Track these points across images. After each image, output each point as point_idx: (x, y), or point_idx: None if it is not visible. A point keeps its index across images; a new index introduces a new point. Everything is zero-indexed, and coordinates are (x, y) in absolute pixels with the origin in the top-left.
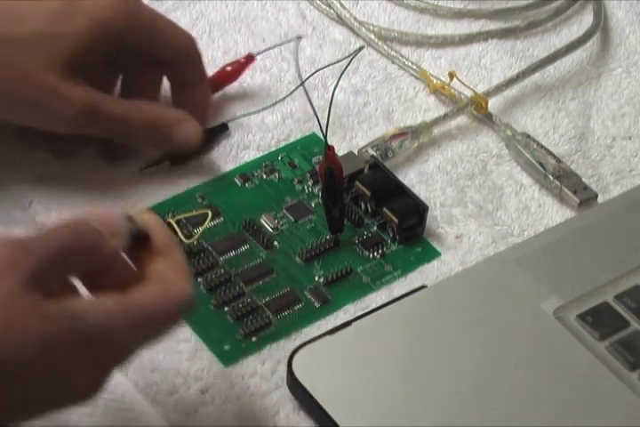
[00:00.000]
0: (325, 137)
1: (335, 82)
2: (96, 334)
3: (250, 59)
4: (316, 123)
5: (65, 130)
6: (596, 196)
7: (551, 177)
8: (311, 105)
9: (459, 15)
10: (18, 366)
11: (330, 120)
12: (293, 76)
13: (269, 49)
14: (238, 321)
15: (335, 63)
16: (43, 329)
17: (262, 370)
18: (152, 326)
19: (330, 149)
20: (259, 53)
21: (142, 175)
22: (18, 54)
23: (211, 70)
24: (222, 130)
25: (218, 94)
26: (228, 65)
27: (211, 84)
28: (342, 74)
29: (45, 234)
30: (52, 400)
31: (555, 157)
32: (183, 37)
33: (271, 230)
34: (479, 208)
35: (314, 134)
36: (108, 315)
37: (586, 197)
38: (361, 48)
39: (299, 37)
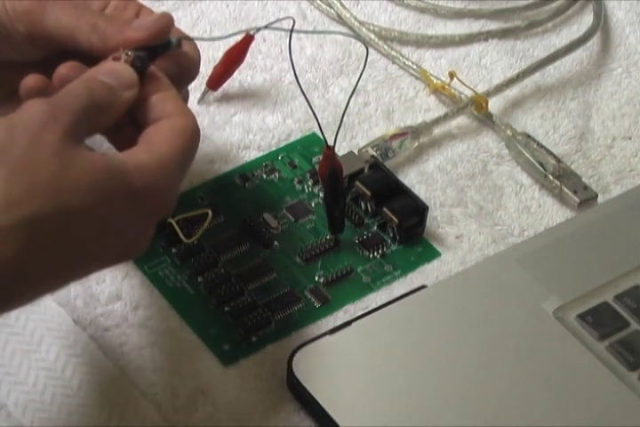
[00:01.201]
0: (335, 141)
1: (334, 82)
2: (141, 185)
3: (249, 38)
4: (317, 123)
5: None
6: (596, 196)
7: (551, 177)
8: (308, 102)
9: (459, 15)
10: (75, 211)
11: (330, 120)
12: (294, 76)
13: (265, 27)
14: (238, 321)
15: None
16: (93, 178)
17: (262, 370)
18: (184, 166)
19: (329, 149)
20: (254, 32)
21: None
22: None
23: (210, 71)
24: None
25: (219, 93)
26: (229, 50)
27: (221, 72)
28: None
29: (66, 93)
30: (104, 253)
31: (555, 156)
32: None
33: (271, 230)
34: (479, 208)
35: (314, 134)
36: (144, 167)
37: (586, 197)
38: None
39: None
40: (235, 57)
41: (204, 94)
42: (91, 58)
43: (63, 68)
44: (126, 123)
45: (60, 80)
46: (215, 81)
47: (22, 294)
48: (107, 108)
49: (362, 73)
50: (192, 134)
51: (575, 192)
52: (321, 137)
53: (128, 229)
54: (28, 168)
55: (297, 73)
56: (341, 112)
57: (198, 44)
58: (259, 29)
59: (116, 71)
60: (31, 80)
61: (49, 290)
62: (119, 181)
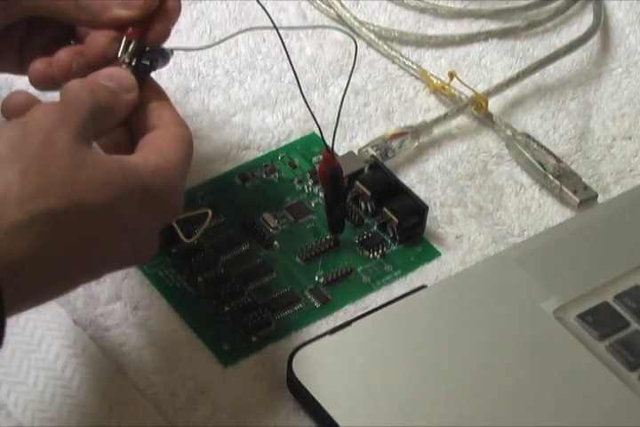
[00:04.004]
0: (333, 141)
1: (334, 82)
2: (155, 185)
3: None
4: (316, 124)
5: None
6: (596, 196)
7: (551, 177)
8: (306, 103)
9: (459, 15)
10: (89, 208)
11: (330, 120)
12: (294, 76)
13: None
14: (238, 321)
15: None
16: (107, 176)
17: (262, 370)
18: (186, 173)
19: (328, 151)
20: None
21: None
22: None
23: (211, 71)
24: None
25: (219, 93)
26: None
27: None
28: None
29: (71, 97)
30: (116, 254)
31: (555, 156)
32: None
33: (271, 230)
34: (479, 208)
35: (314, 134)
36: (157, 168)
37: (586, 196)
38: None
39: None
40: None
41: (124, 48)
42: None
43: (63, 54)
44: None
45: (60, 66)
46: (136, 31)
47: (34, 295)
48: (111, 110)
49: (353, 66)
50: (190, 143)
51: (575, 192)
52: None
53: (140, 229)
54: (42, 165)
55: (297, 73)
56: (342, 112)
57: (198, 41)
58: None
59: (116, 76)
60: (40, 65)
61: (59, 291)
62: (133, 181)
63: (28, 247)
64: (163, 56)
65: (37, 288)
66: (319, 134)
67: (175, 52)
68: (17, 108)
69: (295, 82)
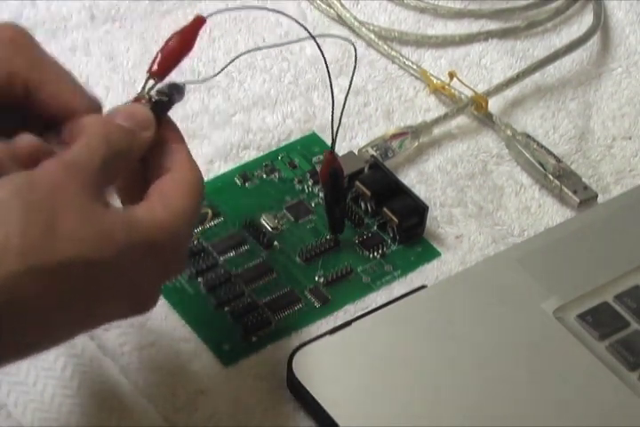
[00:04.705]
0: (334, 141)
1: (334, 82)
2: (160, 241)
3: (200, 21)
4: (317, 122)
5: None
6: (596, 196)
7: (551, 177)
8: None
9: (459, 15)
10: (92, 264)
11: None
12: (294, 76)
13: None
14: (238, 321)
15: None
16: (112, 232)
17: (262, 370)
18: (194, 224)
19: (330, 153)
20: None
21: None
22: None
23: (210, 71)
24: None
25: (220, 93)
26: (174, 35)
27: (164, 64)
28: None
29: (83, 150)
30: (118, 307)
31: (555, 156)
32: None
33: (271, 230)
34: (479, 208)
35: (314, 134)
36: (163, 223)
37: (586, 196)
38: None
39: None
40: (184, 42)
41: (146, 83)
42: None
43: (85, 119)
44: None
45: (78, 130)
46: (161, 68)
47: (27, 345)
48: (126, 153)
49: (353, 73)
50: (202, 191)
51: (575, 192)
52: (321, 137)
53: (143, 284)
54: (46, 218)
55: (297, 73)
56: (342, 112)
57: (198, 41)
58: (211, 15)
59: (135, 113)
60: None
61: (55, 342)
62: (137, 238)
63: (23, 300)
64: (178, 91)
65: (32, 339)
66: (320, 134)
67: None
68: (22, 155)
69: (295, 82)
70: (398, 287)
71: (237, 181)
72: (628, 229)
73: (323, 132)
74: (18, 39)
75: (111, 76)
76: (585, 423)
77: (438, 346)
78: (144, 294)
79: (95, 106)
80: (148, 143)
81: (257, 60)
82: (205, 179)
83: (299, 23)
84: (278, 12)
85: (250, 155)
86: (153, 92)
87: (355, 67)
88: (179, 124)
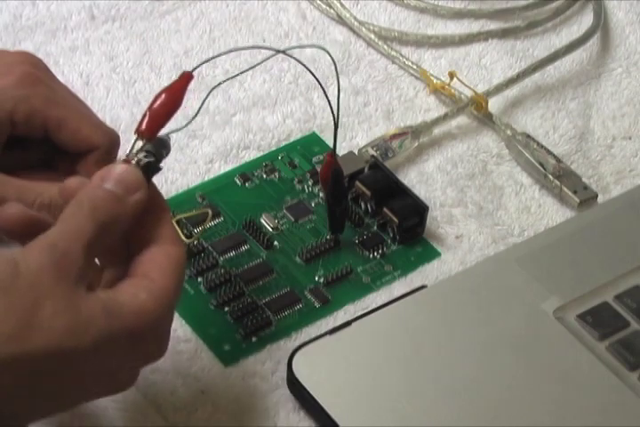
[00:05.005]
0: (335, 144)
1: (334, 82)
2: (140, 328)
3: (187, 77)
4: (317, 122)
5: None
6: (596, 196)
7: (551, 177)
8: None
9: (459, 15)
10: (70, 355)
11: (331, 120)
12: (294, 76)
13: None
14: (238, 321)
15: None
16: (91, 322)
17: (262, 370)
18: (177, 302)
19: (331, 155)
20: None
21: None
22: None
23: (210, 71)
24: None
25: (220, 94)
26: (161, 93)
27: (152, 124)
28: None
29: (70, 232)
30: (93, 391)
31: (555, 156)
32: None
33: (271, 230)
34: (479, 208)
35: (314, 134)
36: (144, 310)
37: (586, 196)
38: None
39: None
40: (172, 100)
41: (134, 143)
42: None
43: (73, 183)
44: None
45: (67, 194)
46: (150, 128)
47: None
48: (115, 223)
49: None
50: (184, 266)
51: (575, 192)
52: (321, 137)
53: (121, 371)
54: (25, 308)
55: (297, 73)
56: (342, 112)
57: (198, 41)
58: (196, 67)
59: (123, 177)
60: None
61: (25, 422)
62: (117, 325)
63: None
64: (164, 146)
65: (7, 422)
66: (320, 134)
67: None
68: (10, 225)
69: (295, 82)
70: (398, 287)
71: (237, 181)
72: (628, 229)
73: (323, 133)
74: (34, 73)
75: (111, 76)
76: (585, 423)
77: (438, 346)
78: (120, 379)
79: (113, 140)
80: (139, 208)
81: (257, 59)
82: (205, 179)
83: (303, 65)
84: (290, 56)
85: (250, 155)
86: (141, 155)
87: (337, 74)
88: (179, 124)
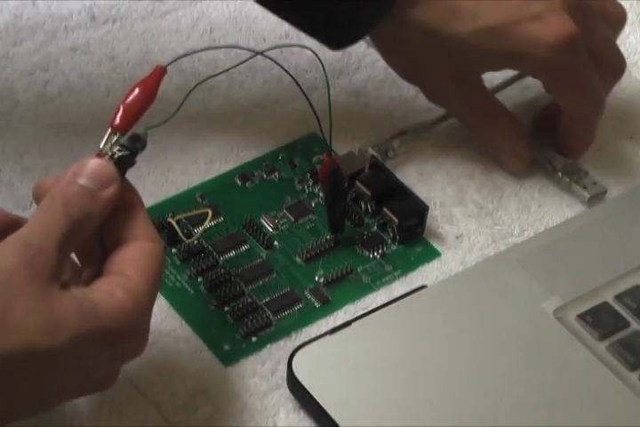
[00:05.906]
0: (330, 139)
1: (334, 82)
2: (116, 328)
3: (160, 71)
4: (317, 122)
5: None
6: (606, 191)
7: (560, 174)
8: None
9: None
10: (43, 354)
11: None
12: (294, 76)
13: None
14: (238, 321)
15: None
16: (65, 321)
17: (262, 370)
18: (154, 298)
19: (328, 156)
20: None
21: (142, 175)
22: None
23: (210, 71)
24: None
25: (220, 94)
26: (134, 87)
27: (126, 118)
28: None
29: (42, 228)
30: (70, 391)
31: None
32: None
33: (271, 230)
34: (479, 208)
35: (314, 134)
36: (120, 309)
37: (596, 191)
38: None
39: None
40: (145, 94)
41: (108, 138)
42: None
43: (48, 180)
44: None
45: (41, 192)
46: (123, 122)
47: None
48: (88, 218)
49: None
50: (161, 262)
51: (585, 188)
52: (321, 137)
53: (98, 370)
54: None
55: (297, 73)
56: (342, 112)
57: (198, 41)
58: (168, 64)
59: (96, 172)
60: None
61: (7, 423)
62: (93, 324)
63: None
64: (139, 140)
65: None
66: (320, 134)
67: (174, 54)
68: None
69: (295, 83)
70: (398, 287)
71: (237, 181)
72: (628, 229)
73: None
74: None
75: (111, 76)
76: (585, 423)
77: (438, 346)
78: (98, 378)
79: None
80: (112, 202)
81: (257, 59)
82: (205, 179)
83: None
84: (268, 57)
85: (250, 155)
86: (115, 149)
87: (327, 79)
88: (179, 124)
